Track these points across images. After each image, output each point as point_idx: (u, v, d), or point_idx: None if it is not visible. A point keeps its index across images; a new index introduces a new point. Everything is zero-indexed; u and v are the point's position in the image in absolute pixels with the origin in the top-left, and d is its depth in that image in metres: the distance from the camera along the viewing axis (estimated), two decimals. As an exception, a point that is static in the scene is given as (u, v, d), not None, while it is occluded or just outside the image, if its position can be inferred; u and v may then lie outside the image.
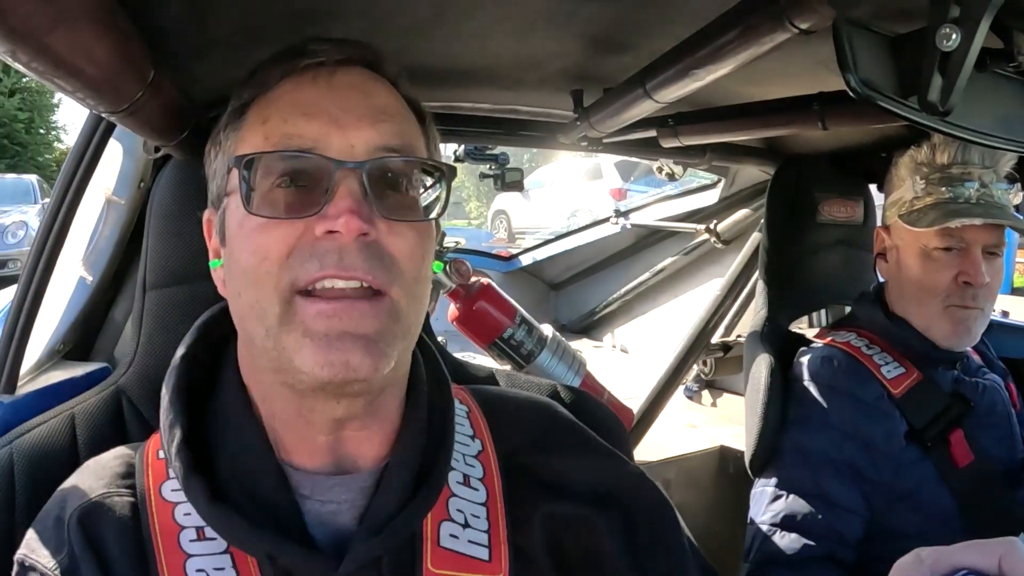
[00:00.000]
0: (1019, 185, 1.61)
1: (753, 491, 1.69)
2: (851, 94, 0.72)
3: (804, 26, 0.73)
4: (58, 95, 19.68)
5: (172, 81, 0.96)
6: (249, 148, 0.79)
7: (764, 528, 1.58)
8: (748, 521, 1.65)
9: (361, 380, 0.75)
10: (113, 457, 0.88)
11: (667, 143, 1.60)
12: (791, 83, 1.40)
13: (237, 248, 0.79)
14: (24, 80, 18.84)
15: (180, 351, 0.89)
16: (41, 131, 19.32)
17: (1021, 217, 1.62)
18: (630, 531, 0.92)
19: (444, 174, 0.84)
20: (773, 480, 1.63)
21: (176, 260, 1.12)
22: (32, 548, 0.79)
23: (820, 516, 1.53)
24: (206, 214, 0.90)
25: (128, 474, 0.85)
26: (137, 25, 0.82)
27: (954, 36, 0.65)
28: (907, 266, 1.65)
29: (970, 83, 0.70)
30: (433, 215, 0.84)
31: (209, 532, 0.79)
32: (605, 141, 1.73)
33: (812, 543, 1.52)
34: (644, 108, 1.19)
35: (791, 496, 1.58)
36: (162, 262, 1.13)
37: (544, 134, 1.83)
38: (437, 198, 0.84)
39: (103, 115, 0.89)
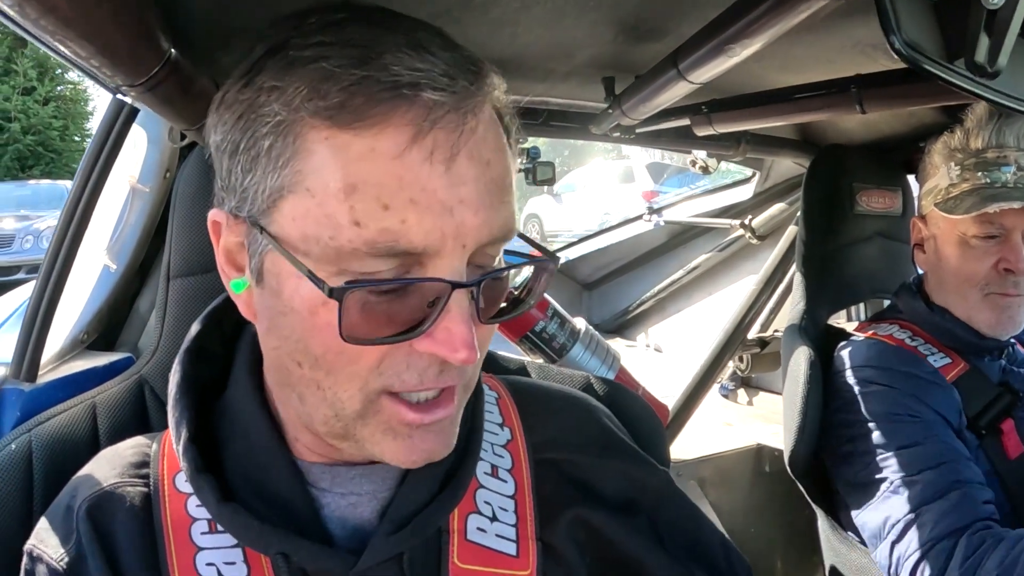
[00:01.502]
0: None
1: (859, 521, 1.55)
2: (895, 56, 0.69)
3: (842, -12, 0.71)
4: (91, 104, 20.04)
5: (194, 62, 0.94)
6: (324, 215, 0.62)
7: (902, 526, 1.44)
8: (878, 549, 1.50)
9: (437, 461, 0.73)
10: (129, 446, 0.86)
11: (701, 131, 1.58)
12: (827, 68, 1.38)
13: (305, 330, 0.66)
14: (58, 88, 19.17)
15: (185, 343, 0.85)
16: (75, 138, 19.63)
17: None
18: (658, 537, 0.90)
19: (548, 266, 0.76)
20: (878, 483, 1.50)
21: (200, 248, 1.11)
22: (41, 538, 0.77)
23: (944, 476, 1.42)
24: (213, 214, 0.74)
25: (143, 464, 0.83)
26: (158, 6, 0.81)
27: (1001, -8, 0.63)
28: (945, 256, 1.62)
29: (1016, 49, 0.68)
30: (530, 303, 0.77)
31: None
32: (638, 131, 1.71)
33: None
34: (678, 90, 1.17)
35: (905, 484, 1.46)
36: (186, 250, 1.12)
37: (576, 125, 1.82)
38: (530, 289, 0.77)
39: (121, 90, 0.87)
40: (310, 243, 0.63)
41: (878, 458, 1.50)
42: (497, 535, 0.82)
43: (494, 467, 0.87)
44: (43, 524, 0.79)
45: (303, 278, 0.64)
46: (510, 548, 0.81)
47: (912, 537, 1.40)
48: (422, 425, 0.69)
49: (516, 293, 0.78)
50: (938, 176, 1.62)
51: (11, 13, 0.62)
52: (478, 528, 0.81)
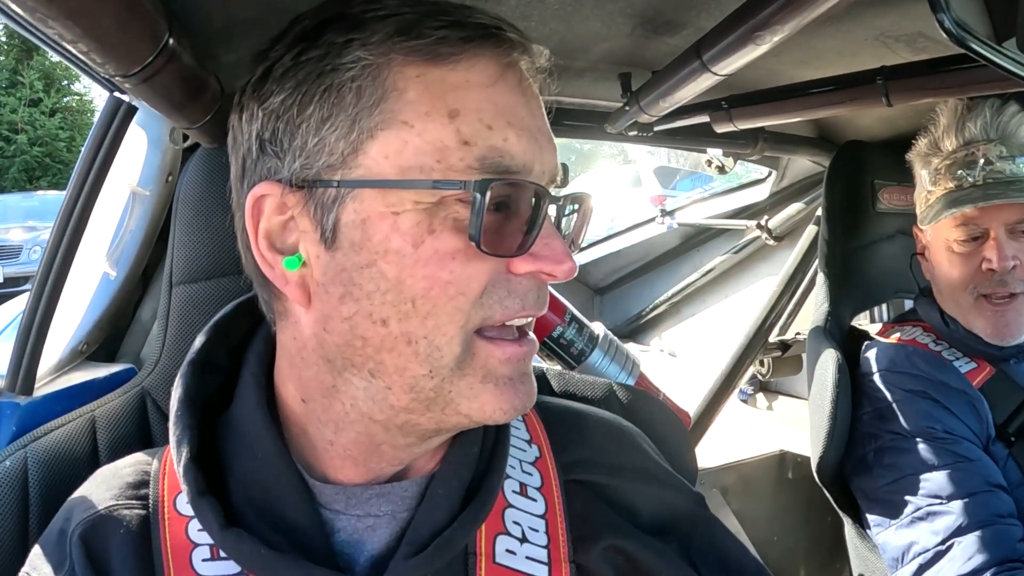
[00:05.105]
0: None
1: (880, 539, 1.51)
2: (945, 35, 0.65)
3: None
4: (97, 115, 20.29)
5: (195, 54, 0.90)
6: (427, 142, 0.65)
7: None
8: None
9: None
10: (128, 464, 0.81)
11: (721, 127, 1.54)
12: (848, 61, 1.34)
13: (402, 270, 0.65)
14: (65, 100, 19.28)
15: (190, 355, 0.81)
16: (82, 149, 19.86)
17: None
18: (691, 563, 0.86)
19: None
20: (906, 512, 1.46)
21: (204, 254, 1.08)
22: (34, 565, 0.73)
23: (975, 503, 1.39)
24: (260, 188, 0.70)
25: (141, 484, 0.78)
26: None
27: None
28: (937, 263, 1.61)
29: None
30: (582, 243, 0.83)
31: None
32: (656, 129, 1.67)
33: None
34: (701, 83, 1.13)
35: (937, 513, 1.41)
36: (189, 256, 1.08)
37: (591, 124, 1.78)
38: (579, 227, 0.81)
39: (114, 81, 0.81)
40: (411, 173, 0.65)
41: (904, 476, 1.47)
42: (528, 557, 0.77)
43: (523, 485, 0.82)
44: (37, 550, 0.75)
45: (401, 214, 0.65)
46: (542, 571, 0.77)
47: (942, 568, 1.37)
48: (523, 368, 0.71)
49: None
50: (919, 185, 1.62)
51: None
52: (507, 550, 0.77)
